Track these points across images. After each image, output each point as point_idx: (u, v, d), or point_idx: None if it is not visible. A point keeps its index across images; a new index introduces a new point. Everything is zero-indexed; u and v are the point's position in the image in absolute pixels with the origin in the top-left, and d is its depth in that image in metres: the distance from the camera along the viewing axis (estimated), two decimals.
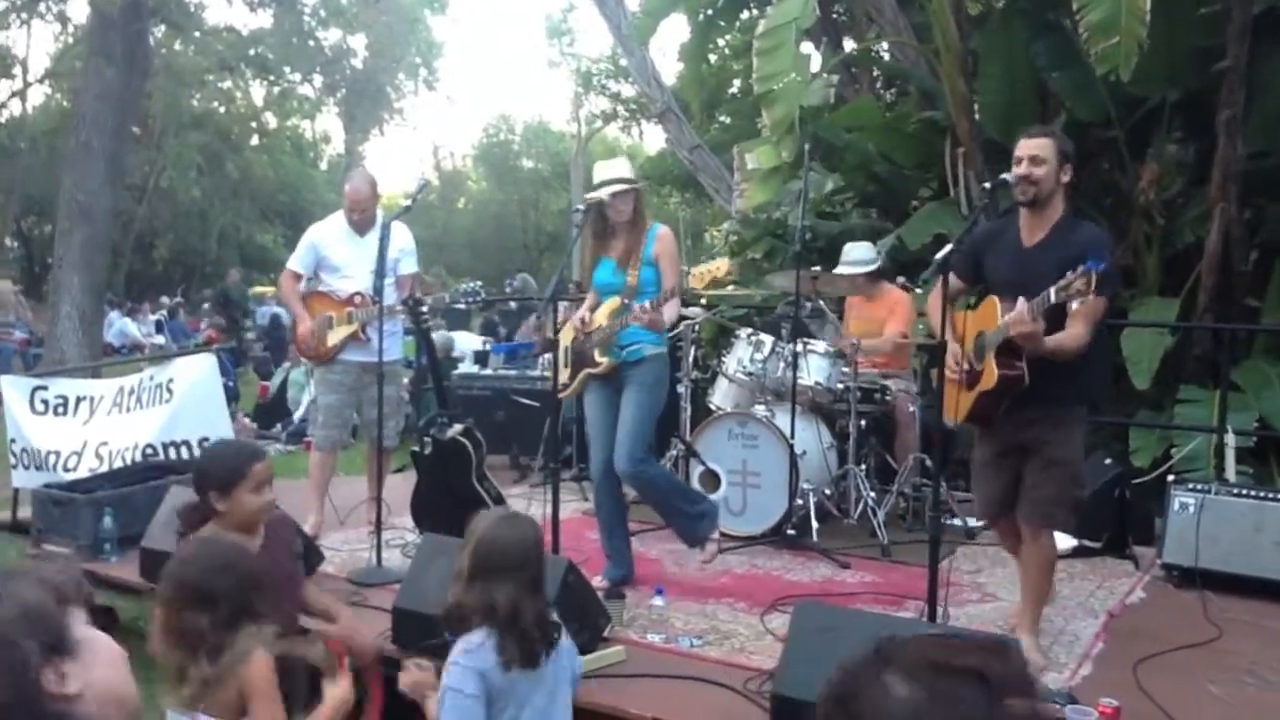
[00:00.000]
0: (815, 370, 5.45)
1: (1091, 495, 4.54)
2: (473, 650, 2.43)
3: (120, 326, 17.28)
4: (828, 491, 5.43)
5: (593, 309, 4.46)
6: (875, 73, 10.84)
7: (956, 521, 5.29)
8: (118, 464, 5.58)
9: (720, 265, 4.24)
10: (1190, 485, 4.65)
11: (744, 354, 5.58)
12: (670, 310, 4.28)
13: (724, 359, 5.77)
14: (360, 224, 5.25)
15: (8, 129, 23.84)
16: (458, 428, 4.80)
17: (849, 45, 10.46)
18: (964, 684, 0.98)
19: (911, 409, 5.72)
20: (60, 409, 5.84)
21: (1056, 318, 3.40)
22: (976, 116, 7.51)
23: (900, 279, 6.17)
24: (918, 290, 6.00)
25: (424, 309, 5.06)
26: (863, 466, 5.46)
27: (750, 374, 5.52)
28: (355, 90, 28.26)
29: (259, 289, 19.24)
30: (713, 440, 5.34)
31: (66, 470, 5.57)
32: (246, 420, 9.88)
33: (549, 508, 4.26)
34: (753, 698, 3.30)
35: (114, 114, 12.32)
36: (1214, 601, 4.27)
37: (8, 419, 5.77)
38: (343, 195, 5.33)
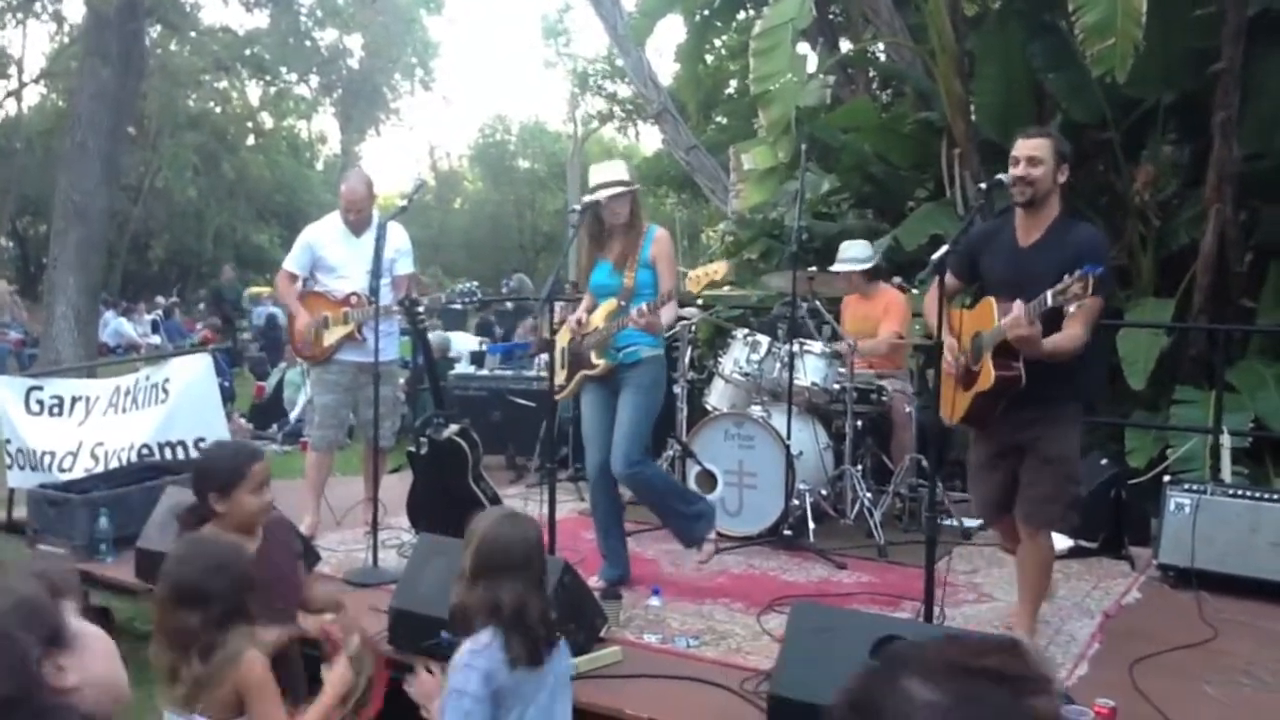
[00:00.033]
0: (811, 371, 5.46)
1: (1087, 496, 4.54)
2: (480, 650, 2.42)
3: (116, 326, 17.25)
4: (824, 492, 5.43)
5: (589, 310, 4.46)
6: (871, 73, 10.86)
7: (953, 522, 5.29)
8: (113, 464, 5.57)
9: (718, 269, 4.22)
10: (1186, 486, 4.66)
11: (740, 354, 5.58)
12: (668, 313, 4.28)
13: (720, 359, 5.77)
14: (356, 224, 5.24)
15: (3, 129, 23.81)
16: (454, 428, 4.80)
17: (845, 46, 10.48)
18: (987, 684, 0.97)
19: (908, 409, 5.73)
20: (56, 409, 5.83)
21: (1052, 319, 3.41)
22: (972, 117, 7.52)
23: (897, 279, 6.18)
24: (914, 290, 6.01)
25: (420, 309, 5.06)
26: (859, 467, 5.47)
27: (746, 374, 5.52)
28: (351, 90, 28.30)
29: (255, 289, 19.19)
30: (709, 441, 5.35)
31: (62, 470, 5.56)
32: (242, 420, 9.86)
33: (545, 508, 4.26)
34: (749, 698, 3.30)
35: (109, 114, 12.30)
36: (1210, 602, 4.27)
37: (3, 419, 5.76)
38: (339, 195, 5.33)
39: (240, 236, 27.33)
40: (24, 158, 23.02)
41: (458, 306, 7.70)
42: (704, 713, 3.29)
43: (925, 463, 5.14)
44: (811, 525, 5.14)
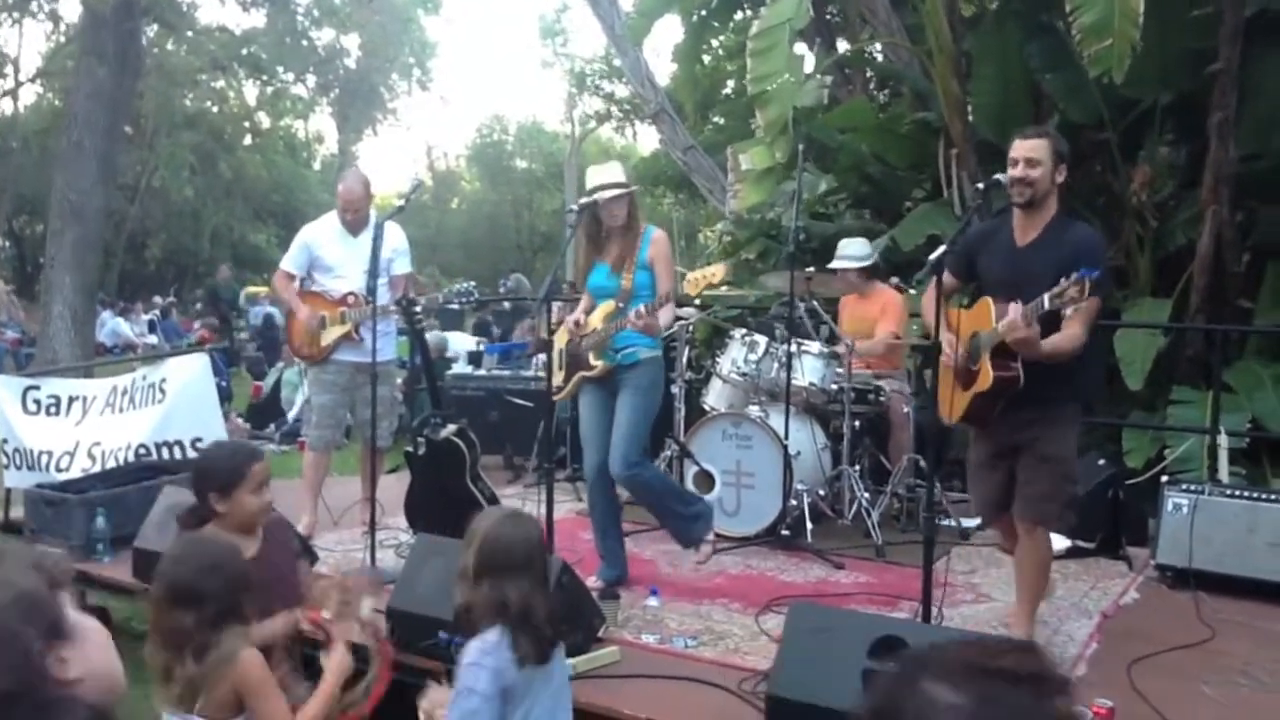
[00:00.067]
0: (809, 371, 5.46)
1: (1085, 496, 4.55)
2: (489, 650, 2.42)
3: (113, 326, 17.23)
4: (822, 492, 5.43)
5: (587, 312, 4.46)
6: (869, 74, 10.86)
7: (950, 522, 5.30)
8: (110, 464, 5.56)
9: (715, 271, 4.22)
10: (1184, 486, 4.66)
11: (738, 354, 5.58)
12: (666, 314, 4.28)
13: (718, 359, 5.77)
14: (354, 224, 5.23)
15: None
16: (451, 428, 4.79)
17: (843, 46, 10.48)
18: (1008, 685, 0.97)
19: (905, 409, 5.73)
20: (53, 409, 5.82)
21: (1050, 319, 3.41)
22: (970, 118, 7.52)
23: (894, 279, 6.18)
24: (911, 290, 6.01)
25: (417, 309, 5.05)
26: (857, 467, 5.47)
27: (744, 375, 5.52)
28: (348, 90, 28.29)
29: (252, 289, 19.17)
30: (707, 441, 5.35)
31: (59, 470, 5.55)
32: (240, 420, 9.84)
33: (543, 508, 4.25)
34: (747, 698, 3.30)
35: (106, 113, 12.29)
36: (1207, 602, 4.28)
37: (0, 419, 5.75)
38: (336, 195, 5.32)
39: (237, 236, 27.30)
40: (20, 157, 22.99)
41: (455, 306, 7.71)
42: (702, 713, 3.29)
43: (923, 463, 5.13)
44: (809, 525, 5.14)
